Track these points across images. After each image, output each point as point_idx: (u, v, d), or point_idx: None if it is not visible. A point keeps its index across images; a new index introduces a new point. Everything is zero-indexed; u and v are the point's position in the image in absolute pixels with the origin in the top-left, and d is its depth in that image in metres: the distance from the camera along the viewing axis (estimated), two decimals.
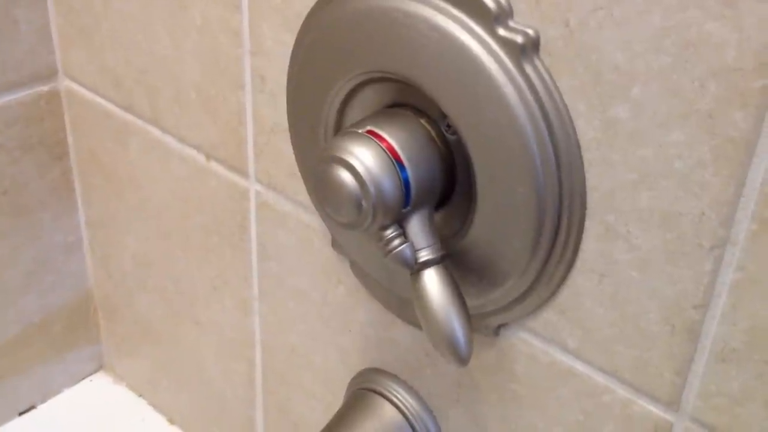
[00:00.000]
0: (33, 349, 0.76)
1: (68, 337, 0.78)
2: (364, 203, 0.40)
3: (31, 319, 0.74)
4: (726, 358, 0.38)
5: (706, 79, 0.34)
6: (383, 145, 0.41)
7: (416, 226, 0.42)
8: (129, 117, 0.62)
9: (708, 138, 0.35)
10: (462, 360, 0.42)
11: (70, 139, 0.69)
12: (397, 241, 0.41)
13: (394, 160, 0.41)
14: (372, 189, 0.40)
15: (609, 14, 0.35)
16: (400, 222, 0.42)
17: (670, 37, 0.34)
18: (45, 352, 0.77)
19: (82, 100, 0.66)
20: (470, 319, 0.42)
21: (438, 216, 0.44)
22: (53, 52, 0.65)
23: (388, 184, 0.40)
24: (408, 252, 0.41)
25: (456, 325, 0.41)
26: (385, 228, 0.41)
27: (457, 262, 0.44)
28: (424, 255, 0.42)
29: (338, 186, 0.40)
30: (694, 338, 0.39)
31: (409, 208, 0.41)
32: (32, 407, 0.77)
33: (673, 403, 0.41)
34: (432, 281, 0.42)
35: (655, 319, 0.39)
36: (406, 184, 0.41)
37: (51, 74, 0.66)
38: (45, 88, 0.66)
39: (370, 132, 0.41)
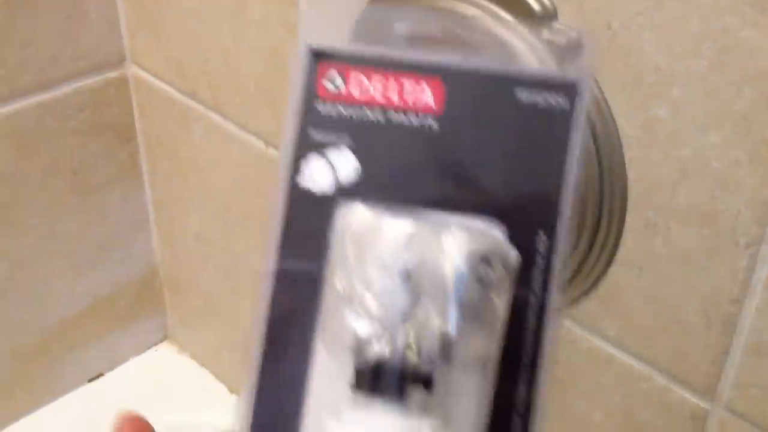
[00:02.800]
0: (102, 320, 0.80)
1: (135, 309, 0.82)
2: None
3: (101, 292, 0.78)
4: (760, 352, 0.39)
5: (742, 83, 0.35)
6: None
7: None
8: (192, 103, 0.65)
9: (743, 139, 0.36)
10: None
11: (137, 124, 0.72)
12: None
13: None
14: None
15: (650, 18, 0.37)
16: None
17: (707, 41, 0.35)
18: (113, 323, 0.81)
19: (149, 86, 0.69)
20: None
21: None
22: (121, 40, 0.69)
23: None
24: None
25: None
26: None
27: None
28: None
29: None
30: (730, 331, 0.40)
31: None
32: (100, 375, 0.82)
33: (708, 392, 0.42)
34: None
35: (692, 312, 0.41)
36: None
37: (119, 61, 0.69)
38: (114, 74, 0.70)
39: None
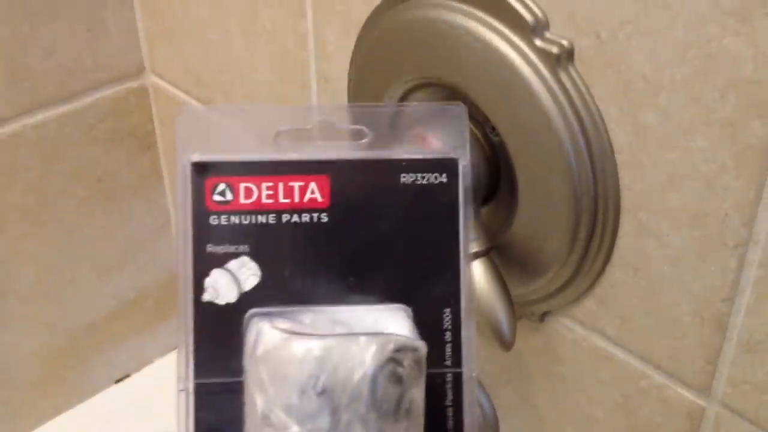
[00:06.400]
0: (128, 322, 0.82)
1: (160, 311, 0.84)
2: None
3: (126, 295, 0.81)
4: (751, 349, 0.40)
5: (726, 90, 0.36)
6: None
7: None
8: None
9: (729, 144, 0.37)
10: (506, 344, 0.45)
11: (157, 131, 0.75)
12: None
13: None
14: None
15: (636, 27, 0.38)
16: None
17: (692, 50, 0.36)
18: (139, 325, 0.83)
19: (168, 95, 0.71)
20: (514, 307, 0.45)
21: (485, 210, 0.48)
22: (140, 51, 0.71)
23: None
24: None
25: (500, 313, 0.44)
26: None
27: (502, 253, 0.47)
28: (471, 248, 0.45)
29: None
30: (722, 330, 0.41)
31: None
32: (127, 376, 0.84)
33: (704, 390, 0.43)
34: (478, 272, 0.45)
35: (686, 311, 0.42)
36: None
37: (139, 71, 0.72)
38: (134, 84, 0.72)
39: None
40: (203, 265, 0.33)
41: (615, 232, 0.43)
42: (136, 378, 0.84)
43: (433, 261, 0.34)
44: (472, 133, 0.46)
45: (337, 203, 0.34)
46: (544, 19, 0.41)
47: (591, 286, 0.45)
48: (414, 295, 0.34)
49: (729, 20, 0.35)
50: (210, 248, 0.33)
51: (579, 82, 0.41)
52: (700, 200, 0.39)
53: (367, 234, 0.34)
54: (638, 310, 0.44)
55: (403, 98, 0.48)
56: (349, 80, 0.52)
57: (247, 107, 0.37)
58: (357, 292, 0.34)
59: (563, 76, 0.41)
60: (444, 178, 0.34)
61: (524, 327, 0.50)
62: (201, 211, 0.33)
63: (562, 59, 0.40)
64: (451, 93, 0.46)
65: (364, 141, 0.36)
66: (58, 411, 0.80)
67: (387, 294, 0.34)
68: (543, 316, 0.49)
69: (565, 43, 0.40)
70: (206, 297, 0.33)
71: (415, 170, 0.34)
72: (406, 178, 0.34)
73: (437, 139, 0.37)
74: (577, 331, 0.48)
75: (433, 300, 0.34)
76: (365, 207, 0.34)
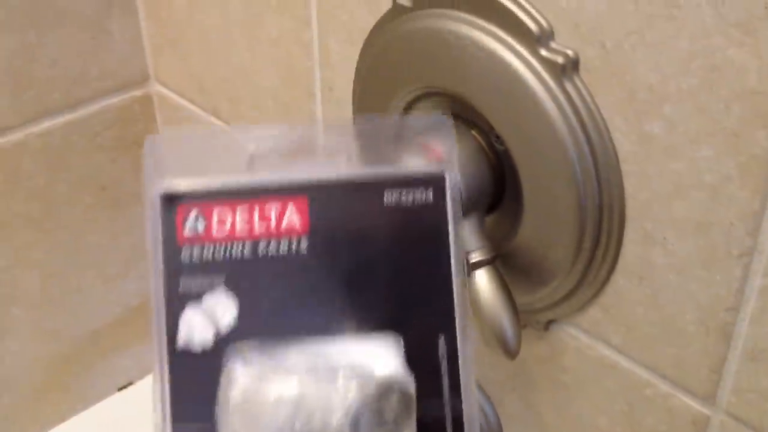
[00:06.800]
0: (132, 329, 0.82)
1: None
2: None
3: (130, 302, 0.81)
4: (756, 358, 0.40)
5: (731, 101, 0.36)
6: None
7: (467, 229, 0.45)
8: (213, 120, 0.67)
9: (734, 154, 0.37)
10: (511, 353, 0.45)
11: None
12: None
13: None
14: None
15: (641, 38, 0.38)
16: None
17: (696, 60, 0.36)
18: (142, 332, 0.83)
19: (172, 103, 0.71)
20: (518, 315, 0.45)
21: (490, 219, 0.48)
22: (145, 60, 0.71)
23: None
24: None
25: (505, 321, 0.45)
26: None
27: (507, 262, 0.47)
28: (475, 257, 0.45)
29: None
30: (727, 339, 0.41)
31: None
32: (130, 383, 0.84)
33: (709, 398, 0.43)
34: (483, 281, 0.45)
35: (691, 320, 0.42)
36: None
37: (143, 80, 0.72)
38: (138, 92, 0.72)
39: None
40: (176, 303, 0.31)
41: (620, 240, 0.43)
42: (139, 386, 0.84)
43: (423, 285, 0.32)
44: (476, 141, 0.46)
45: (317, 228, 0.32)
46: (549, 29, 0.41)
47: (596, 295, 0.45)
48: (405, 323, 0.31)
49: (733, 31, 0.35)
50: (183, 285, 0.31)
51: (584, 91, 0.41)
52: (705, 210, 0.39)
53: (351, 260, 0.32)
54: (643, 318, 0.44)
55: (408, 108, 0.48)
56: (354, 89, 0.52)
57: (215, 130, 0.34)
58: (342, 323, 0.31)
59: (568, 86, 0.41)
60: (430, 195, 0.32)
61: (529, 335, 0.50)
62: (172, 246, 0.31)
63: (567, 69, 0.41)
64: (457, 101, 0.46)
65: (343, 160, 0.33)
66: (61, 418, 0.80)
67: (375, 323, 0.31)
68: (548, 325, 0.49)
69: (570, 53, 0.41)
70: (181, 338, 0.31)
71: (399, 187, 0.32)
72: (389, 198, 0.32)
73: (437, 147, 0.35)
74: (581, 339, 0.48)
75: (425, 327, 0.31)
76: (347, 231, 0.32)
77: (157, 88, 0.72)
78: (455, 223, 0.32)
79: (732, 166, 0.37)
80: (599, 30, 0.39)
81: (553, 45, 0.41)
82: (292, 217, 0.31)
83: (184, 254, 0.31)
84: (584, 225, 0.43)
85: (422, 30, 0.45)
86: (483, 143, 0.46)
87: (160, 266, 0.31)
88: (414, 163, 0.33)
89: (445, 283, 0.32)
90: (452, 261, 0.32)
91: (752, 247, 0.38)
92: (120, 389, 0.83)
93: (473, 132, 0.46)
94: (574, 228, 0.43)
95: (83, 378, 0.80)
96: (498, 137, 0.45)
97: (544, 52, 0.41)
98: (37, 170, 0.69)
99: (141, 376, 0.84)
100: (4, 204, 0.68)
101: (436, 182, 0.32)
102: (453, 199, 0.32)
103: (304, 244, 0.31)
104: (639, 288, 0.43)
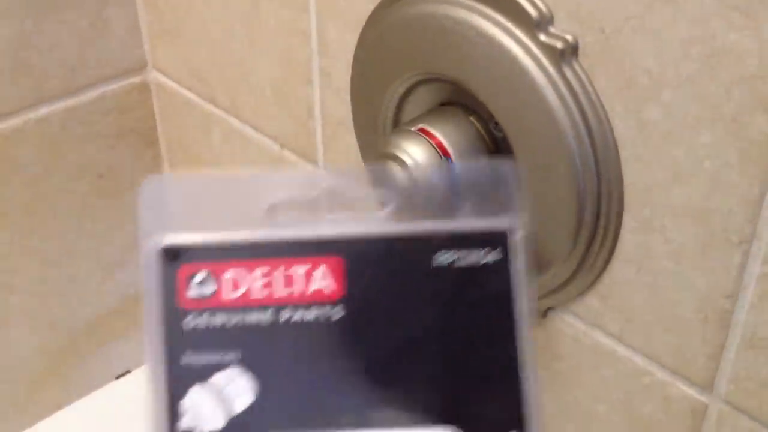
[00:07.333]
0: (129, 318, 0.82)
1: None
2: None
3: (128, 291, 0.81)
4: (755, 345, 0.40)
5: (731, 86, 0.36)
6: (433, 142, 0.44)
7: None
8: (211, 108, 0.67)
9: (733, 140, 0.37)
10: None
11: (159, 127, 0.75)
12: None
13: (443, 156, 0.44)
14: None
15: (641, 23, 0.38)
16: None
17: (696, 45, 0.36)
18: (140, 321, 0.83)
19: (170, 91, 0.71)
20: None
21: None
22: (143, 47, 0.71)
23: None
24: None
25: None
26: None
27: None
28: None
29: None
30: (725, 326, 0.41)
31: None
32: (128, 371, 0.84)
33: (707, 387, 0.43)
34: None
35: (690, 308, 0.42)
36: None
37: (141, 67, 0.72)
38: (136, 80, 0.72)
39: (421, 130, 0.44)
40: (179, 381, 0.26)
41: (618, 228, 0.43)
42: (136, 374, 0.84)
43: (483, 368, 0.26)
44: (474, 128, 0.46)
45: (353, 295, 0.26)
46: (548, 13, 0.41)
47: (594, 283, 0.45)
48: (463, 415, 0.26)
49: (734, 15, 0.34)
50: (186, 359, 0.26)
51: (583, 77, 0.40)
52: (704, 196, 0.39)
53: (395, 334, 0.26)
54: (641, 306, 0.44)
55: (407, 93, 0.48)
56: (352, 76, 0.52)
57: (229, 175, 0.27)
58: (384, 411, 0.26)
59: (567, 71, 0.40)
60: (492, 257, 0.27)
61: None
62: (173, 311, 0.26)
63: (566, 54, 0.40)
64: (455, 88, 0.46)
65: (384, 212, 0.28)
66: (58, 406, 0.80)
67: (425, 412, 0.26)
68: (545, 313, 0.49)
69: (569, 38, 0.40)
70: (184, 426, 0.25)
71: (454, 246, 0.27)
72: (440, 259, 0.27)
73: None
74: (579, 327, 0.48)
75: (489, 422, 0.26)
76: (390, 298, 0.27)
77: (154, 76, 0.72)
78: (521, 293, 0.27)
79: (732, 152, 0.37)
80: (598, 15, 0.39)
81: (552, 30, 0.41)
82: (324, 280, 0.26)
83: (188, 322, 0.26)
84: (582, 212, 0.42)
85: (420, 16, 0.45)
86: (481, 130, 0.46)
87: (160, 336, 0.26)
88: (471, 218, 0.28)
89: (511, 367, 0.26)
90: (517, 340, 0.27)
91: (752, 234, 0.38)
92: (118, 377, 0.83)
93: (472, 118, 0.46)
94: (572, 215, 0.43)
95: (81, 366, 0.80)
96: (497, 124, 0.45)
97: (543, 38, 0.41)
98: (34, 158, 0.68)
99: (139, 365, 0.84)
100: (1, 191, 0.68)
101: (499, 240, 0.27)
102: (518, 261, 0.27)
103: (337, 314, 0.27)
104: (637, 275, 0.43)
